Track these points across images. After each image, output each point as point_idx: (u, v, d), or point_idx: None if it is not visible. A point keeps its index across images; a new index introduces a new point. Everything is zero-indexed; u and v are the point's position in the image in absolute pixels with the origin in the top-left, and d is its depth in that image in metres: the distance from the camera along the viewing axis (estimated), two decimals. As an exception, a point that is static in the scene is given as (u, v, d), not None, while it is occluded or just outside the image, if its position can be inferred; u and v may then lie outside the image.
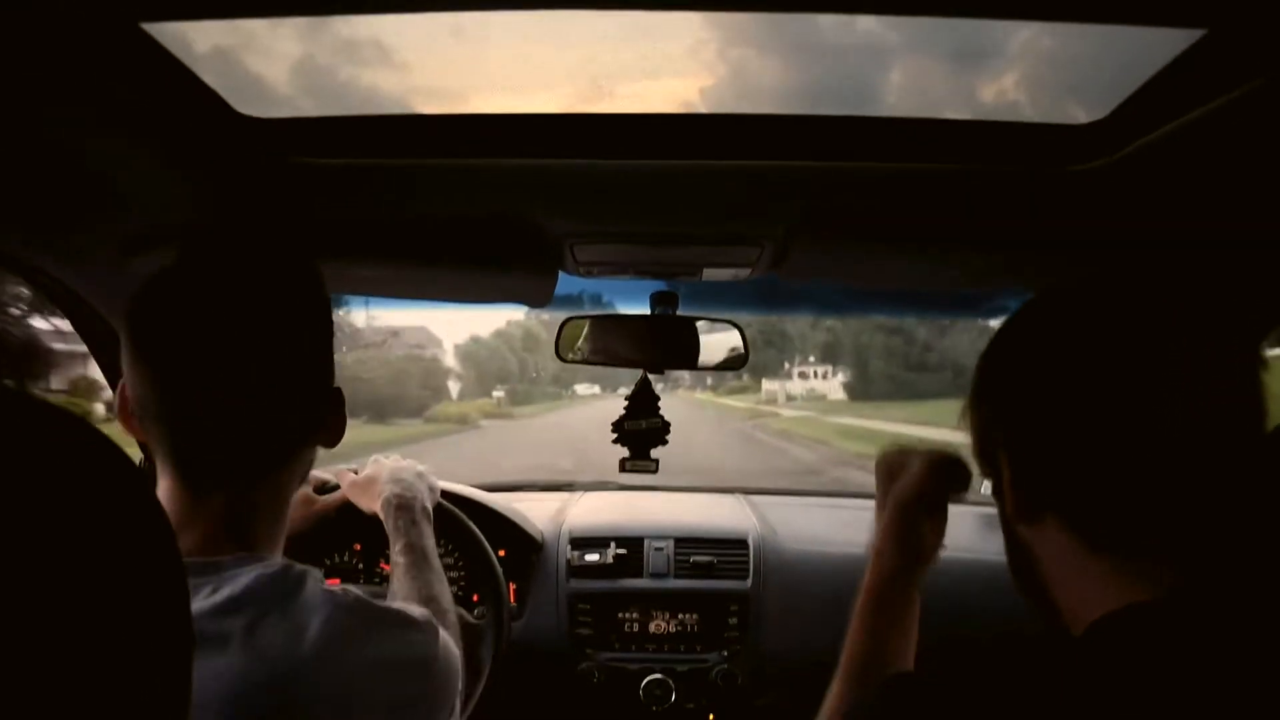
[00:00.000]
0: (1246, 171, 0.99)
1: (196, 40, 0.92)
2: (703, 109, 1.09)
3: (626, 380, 1.64)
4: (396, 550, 1.32)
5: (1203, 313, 0.67)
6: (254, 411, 0.85)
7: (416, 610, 0.95)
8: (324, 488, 1.56)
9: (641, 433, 1.57)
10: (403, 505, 1.38)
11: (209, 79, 0.96)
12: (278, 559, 0.86)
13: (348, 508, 1.52)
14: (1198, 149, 0.96)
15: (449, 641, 0.97)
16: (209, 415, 0.84)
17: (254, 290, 0.86)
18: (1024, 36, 1.03)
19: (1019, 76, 1.08)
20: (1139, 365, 0.66)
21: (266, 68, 1.03)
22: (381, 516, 1.39)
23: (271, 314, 0.86)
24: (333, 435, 0.96)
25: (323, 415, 0.94)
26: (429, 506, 1.43)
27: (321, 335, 0.92)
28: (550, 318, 1.65)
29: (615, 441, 1.59)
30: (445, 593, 1.28)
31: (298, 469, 0.95)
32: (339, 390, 0.96)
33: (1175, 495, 0.65)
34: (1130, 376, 0.66)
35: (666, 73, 1.06)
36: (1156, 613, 0.63)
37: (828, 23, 0.99)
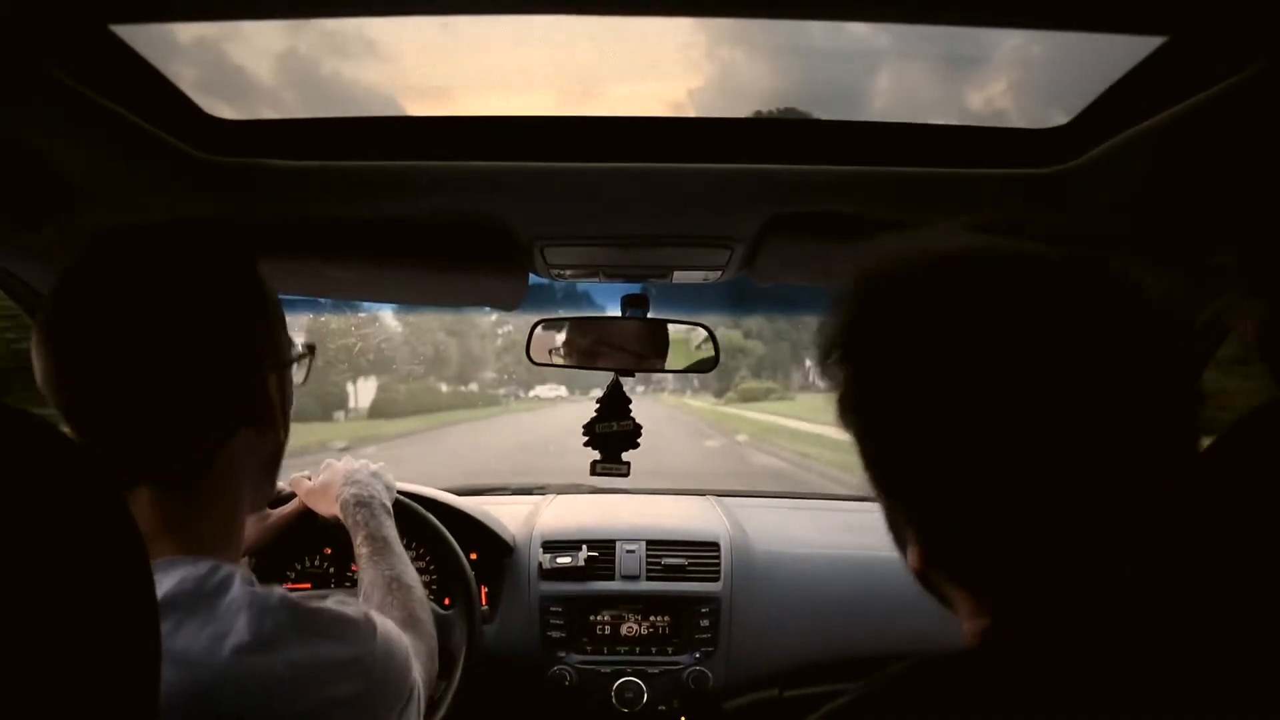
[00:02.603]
0: (1209, 174, 1.01)
1: (167, 41, 0.91)
2: (691, 112, 1.10)
3: (599, 382, 1.64)
4: (358, 542, 1.32)
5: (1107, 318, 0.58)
6: (156, 402, 0.82)
7: (352, 609, 0.91)
8: (277, 499, 1.55)
9: (613, 435, 1.57)
10: (360, 502, 1.38)
11: (178, 80, 0.95)
12: (207, 560, 0.83)
13: (308, 514, 1.51)
14: (1160, 153, 0.97)
15: (392, 636, 0.94)
16: (109, 406, 0.81)
17: (156, 279, 0.83)
18: (991, 43, 1.04)
19: (986, 82, 1.09)
20: (994, 364, 0.57)
21: (239, 65, 1.02)
22: (341, 517, 1.39)
23: (173, 304, 0.83)
24: (267, 422, 0.93)
25: (250, 406, 0.90)
26: (387, 503, 1.43)
27: (238, 325, 0.88)
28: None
29: (587, 444, 1.59)
30: (409, 572, 1.29)
31: (240, 464, 0.91)
32: (278, 374, 0.94)
33: (1006, 526, 0.58)
34: (984, 376, 0.57)
35: (651, 76, 1.06)
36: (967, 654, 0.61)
37: (813, 29, 1.00)
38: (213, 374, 0.85)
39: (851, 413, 0.66)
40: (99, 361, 0.80)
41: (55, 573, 0.49)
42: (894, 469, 0.65)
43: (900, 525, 0.68)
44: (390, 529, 1.36)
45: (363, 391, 27.25)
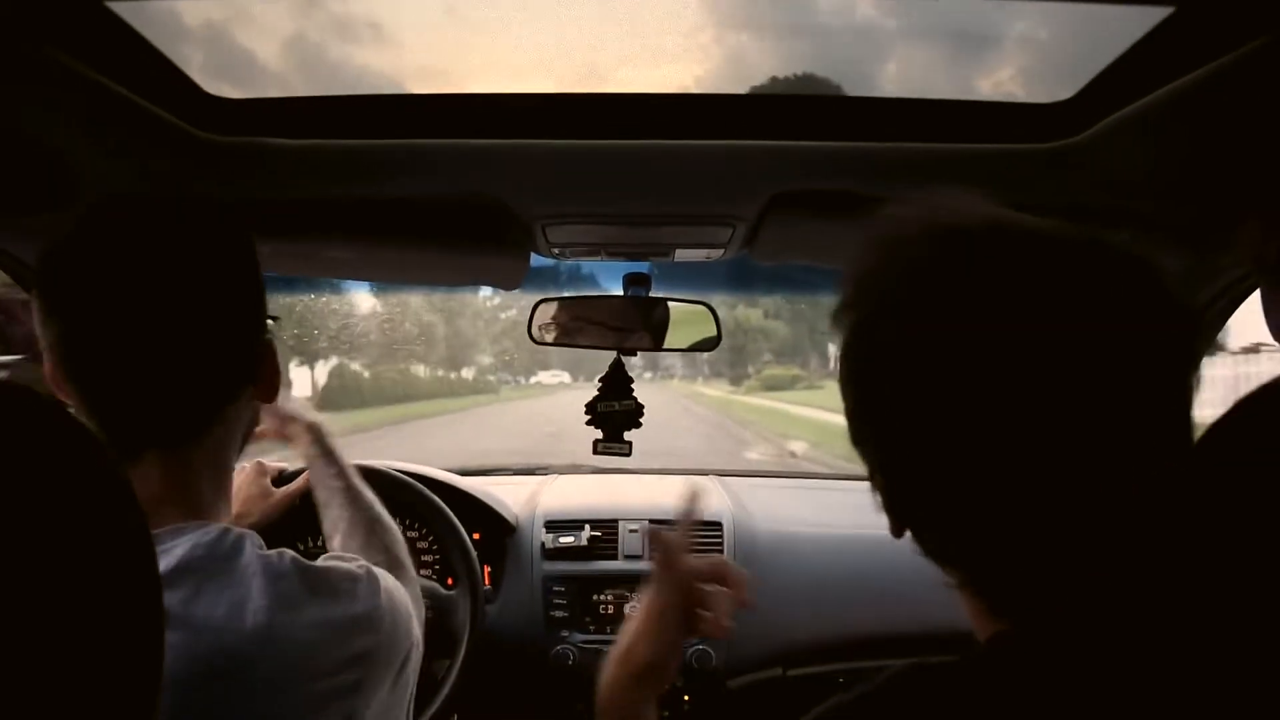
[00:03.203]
0: (1214, 148, 1.00)
1: (165, 19, 0.91)
2: (694, 91, 1.09)
3: (604, 367, 1.64)
4: (332, 474, 1.30)
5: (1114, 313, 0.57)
6: (169, 364, 0.83)
7: (354, 564, 0.92)
8: (281, 477, 1.55)
9: (614, 414, 1.57)
10: (330, 434, 1.37)
11: (178, 58, 0.95)
12: (215, 524, 0.84)
13: (311, 495, 1.51)
14: (1165, 126, 0.96)
15: (392, 587, 0.95)
16: (121, 369, 0.81)
17: (163, 240, 0.84)
18: (995, 18, 1.03)
19: (990, 57, 1.08)
20: (1007, 383, 0.56)
21: (241, 46, 1.02)
22: (304, 442, 1.36)
23: (182, 264, 0.83)
24: (266, 389, 0.94)
25: (251, 368, 0.92)
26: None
27: (242, 287, 0.89)
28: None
29: (589, 423, 1.59)
30: (385, 512, 1.28)
31: (235, 427, 0.93)
32: (269, 343, 0.94)
33: (1026, 534, 0.58)
34: (997, 395, 0.56)
35: (657, 58, 1.05)
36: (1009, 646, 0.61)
37: (819, 5, 0.99)
38: (221, 330, 0.87)
39: (848, 372, 0.66)
40: (110, 324, 0.80)
41: (56, 546, 0.49)
42: (882, 436, 0.65)
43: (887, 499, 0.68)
44: (362, 482, 1.33)
45: (321, 377, 22.40)
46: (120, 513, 0.55)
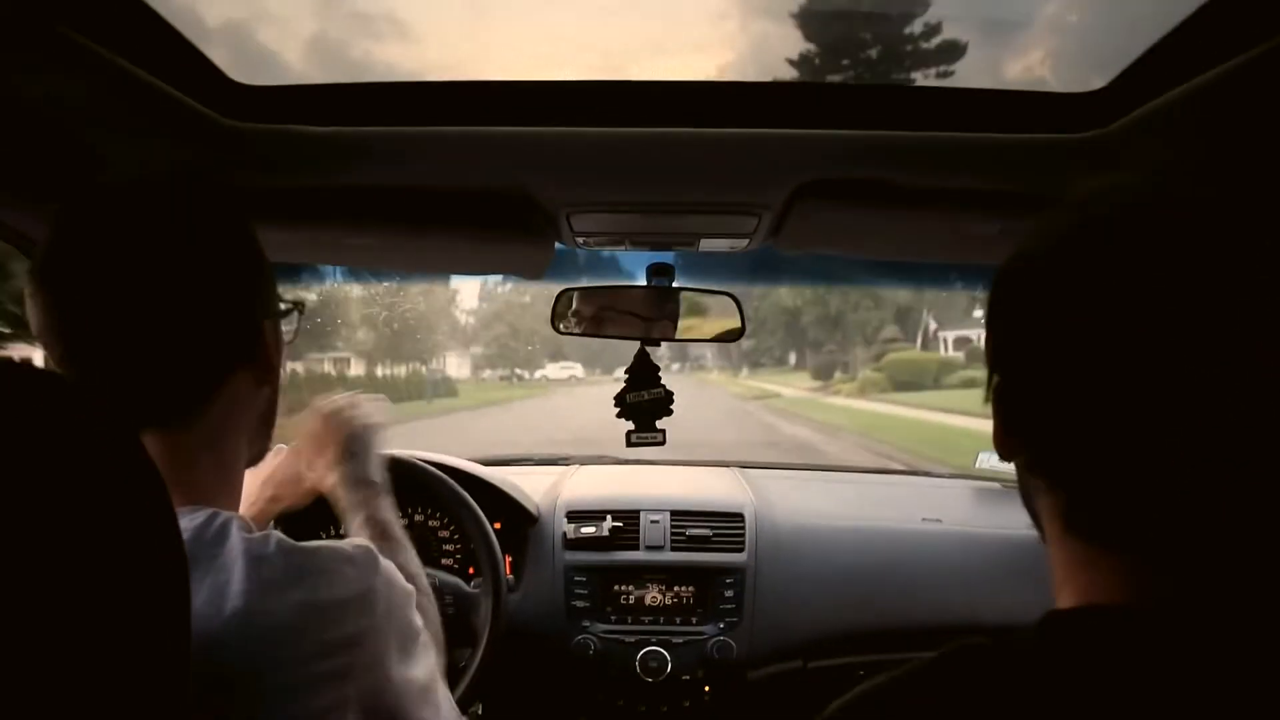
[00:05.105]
0: (1249, 139, 0.98)
1: (193, 6, 0.91)
2: (722, 78, 1.08)
3: (625, 359, 1.63)
4: (356, 525, 1.24)
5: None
6: (155, 339, 0.81)
7: (350, 545, 0.89)
8: None
9: (644, 404, 1.57)
10: (363, 481, 1.28)
11: (204, 45, 0.95)
12: (205, 509, 0.82)
13: None
14: (1199, 117, 0.95)
15: (392, 570, 0.93)
16: (108, 347, 0.81)
17: (149, 218, 0.83)
18: (1027, 6, 1.02)
19: (1023, 45, 1.07)
20: (1161, 309, 0.57)
21: (269, 35, 1.02)
22: (334, 492, 1.29)
23: (166, 241, 0.82)
24: (261, 368, 0.92)
25: (247, 346, 0.90)
26: (380, 479, 1.31)
27: (232, 263, 0.88)
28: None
29: (619, 416, 1.59)
30: (413, 560, 1.23)
31: (237, 411, 0.91)
32: (268, 322, 0.92)
33: (1169, 482, 0.56)
34: (1147, 320, 0.57)
35: (684, 45, 1.05)
36: (1114, 622, 0.57)
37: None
38: (210, 308, 0.85)
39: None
40: (98, 303, 0.80)
41: (82, 520, 0.50)
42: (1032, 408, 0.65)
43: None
44: (388, 509, 1.28)
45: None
46: (144, 483, 0.55)
